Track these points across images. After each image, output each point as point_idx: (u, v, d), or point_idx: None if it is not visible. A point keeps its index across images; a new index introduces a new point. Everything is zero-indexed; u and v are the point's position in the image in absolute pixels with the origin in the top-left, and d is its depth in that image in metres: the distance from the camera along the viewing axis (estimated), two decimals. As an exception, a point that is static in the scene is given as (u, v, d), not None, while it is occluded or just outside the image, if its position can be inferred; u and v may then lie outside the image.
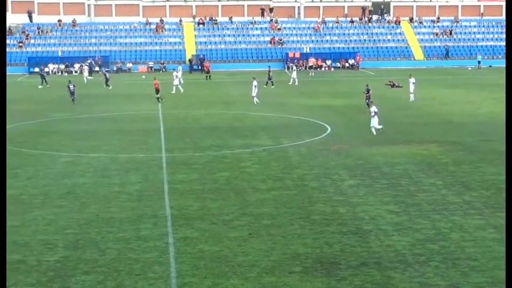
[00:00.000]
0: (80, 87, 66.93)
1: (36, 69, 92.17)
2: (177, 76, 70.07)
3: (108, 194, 27.66)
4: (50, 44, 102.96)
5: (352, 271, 18.95)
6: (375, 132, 40.18)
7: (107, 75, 75.51)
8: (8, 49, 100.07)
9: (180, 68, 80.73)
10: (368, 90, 52.77)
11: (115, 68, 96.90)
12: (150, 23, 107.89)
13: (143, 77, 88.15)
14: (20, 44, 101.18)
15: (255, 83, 57.89)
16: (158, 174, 30.97)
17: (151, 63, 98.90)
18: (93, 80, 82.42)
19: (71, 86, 59.60)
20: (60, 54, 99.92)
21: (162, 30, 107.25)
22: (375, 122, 40.48)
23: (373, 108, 40.80)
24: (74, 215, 24.78)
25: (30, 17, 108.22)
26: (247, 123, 47.18)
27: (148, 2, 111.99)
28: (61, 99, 61.90)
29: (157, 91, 60.39)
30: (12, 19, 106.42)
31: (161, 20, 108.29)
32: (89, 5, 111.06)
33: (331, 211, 24.76)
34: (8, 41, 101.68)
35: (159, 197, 27.03)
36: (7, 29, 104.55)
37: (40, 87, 75.65)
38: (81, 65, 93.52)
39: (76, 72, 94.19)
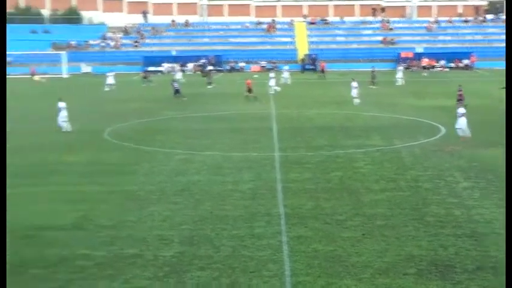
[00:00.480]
0: (190, 87, 68.03)
1: (151, 68, 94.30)
2: (273, 77, 70.18)
3: (221, 192, 28.00)
4: (164, 43, 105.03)
5: (468, 275, 18.57)
6: (461, 134, 38.89)
7: (210, 74, 76.82)
8: (123, 48, 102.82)
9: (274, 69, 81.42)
10: (460, 90, 52.09)
11: (228, 67, 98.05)
12: (261, 23, 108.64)
13: (256, 76, 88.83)
14: (136, 44, 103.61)
15: (354, 84, 57.57)
16: (271, 173, 31.13)
17: (263, 63, 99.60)
18: (200, 80, 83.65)
19: (175, 84, 61.74)
20: (174, 53, 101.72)
21: (273, 30, 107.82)
22: (461, 124, 39.08)
23: (461, 110, 39.56)
24: (188, 211, 25.20)
25: (145, 17, 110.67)
26: (359, 123, 46.90)
27: (260, 2, 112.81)
28: (174, 98, 63.11)
29: (249, 90, 60.83)
30: (128, 19, 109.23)
31: (273, 20, 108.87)
32: (201, 5, 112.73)
33: (446, 213, 24.33)
34: (124, 41, 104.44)
35: (272, 195, 27.17)
36: (123, 28, 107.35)
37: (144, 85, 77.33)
38: (180, 65, 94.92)
39: (190, 71, 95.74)
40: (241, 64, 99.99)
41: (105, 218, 24.45)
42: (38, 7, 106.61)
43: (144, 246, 21.36)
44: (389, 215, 24.13)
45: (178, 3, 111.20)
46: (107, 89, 72.13)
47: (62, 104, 44.89)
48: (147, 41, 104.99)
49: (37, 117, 51.43)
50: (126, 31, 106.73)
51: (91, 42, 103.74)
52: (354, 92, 57.30)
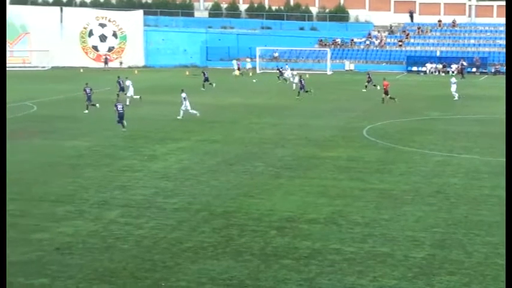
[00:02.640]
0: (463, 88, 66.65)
1: (414, 68, 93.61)
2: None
3: (478, 197, 27.36)
4: (428, 43, 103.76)
5: None
6: None
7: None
8: (388, 47, 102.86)
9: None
10: None
11: (493, 70, 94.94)
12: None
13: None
14: (400, 43, 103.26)
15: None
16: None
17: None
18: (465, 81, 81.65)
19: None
20: (438, 54, 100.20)
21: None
22: None
23: None
24: (442, 214, 24.90)
25: (412, 17, 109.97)
26: None
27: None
28: (441, 98, 62.22)
29: (386, 92, 58.84)
30: (394, 18, 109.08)
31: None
32: (469, 6, 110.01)
33: None
34: (388, 40, 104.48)
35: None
36: (388, 27, 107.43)
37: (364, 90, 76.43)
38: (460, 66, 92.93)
39: (453, 72, 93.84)
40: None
41: (359, 215, 24.81)
42: (307, 4, 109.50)
43: (395, 246, 21.44)
44: None
45: (446, 4, 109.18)
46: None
47: (183, 95, 48.84)
48: (412, 40, 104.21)
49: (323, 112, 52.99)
50: (391, 30, 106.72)
51: (356, 40, 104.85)
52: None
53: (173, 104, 56.04)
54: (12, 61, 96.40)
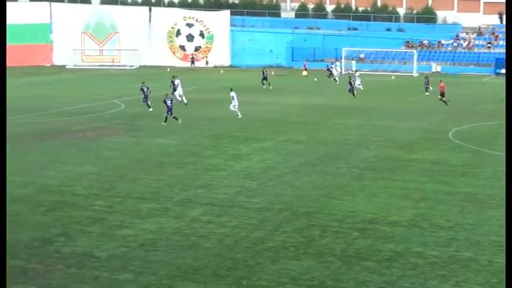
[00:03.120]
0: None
1: (503, 71, 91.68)
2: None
3: None
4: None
5: None
6: None
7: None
8: (476, 49, 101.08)
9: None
10: None
11: None
12: None
13: None
14: (489, 45, 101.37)
15: None
16: None
17: None
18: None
19: None
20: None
21: None
22: None
23: None
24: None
25: (501, 18, 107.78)
26: None
27: None
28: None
29: (442, 94, 57.64)
30: (483, 20, 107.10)
31: None
32: None
33: None
34: (477, 42, 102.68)
35: None
36: (477, 29, 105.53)
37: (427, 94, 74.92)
38: None
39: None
40: None
41: (443, 218, 24.49)
42: (394, 5, 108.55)
43: (479, 251, 21.09)
44: None
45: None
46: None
47: (233, 94, 49.53)
48: (501, 42, 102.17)
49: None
50: (480, 32, 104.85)
51: (443, 42, 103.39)
52: None
53: (258, 104, 56.46)
54: (102, 60, 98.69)
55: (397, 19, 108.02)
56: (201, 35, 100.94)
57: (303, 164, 33.80)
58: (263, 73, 71.68)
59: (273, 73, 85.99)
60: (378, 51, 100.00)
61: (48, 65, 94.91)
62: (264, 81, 70.81)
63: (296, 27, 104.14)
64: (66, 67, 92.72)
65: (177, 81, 58.78)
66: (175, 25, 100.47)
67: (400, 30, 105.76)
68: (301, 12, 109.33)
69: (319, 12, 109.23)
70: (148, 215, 24.97)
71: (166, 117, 45.33)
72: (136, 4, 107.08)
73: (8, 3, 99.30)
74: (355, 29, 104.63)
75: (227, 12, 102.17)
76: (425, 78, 69.58)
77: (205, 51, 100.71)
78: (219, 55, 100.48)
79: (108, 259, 20.36)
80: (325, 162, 34.33)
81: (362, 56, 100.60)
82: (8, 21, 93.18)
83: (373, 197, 27.62)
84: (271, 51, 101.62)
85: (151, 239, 22.20)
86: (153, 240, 22.16)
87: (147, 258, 20.49)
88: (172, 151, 37.01)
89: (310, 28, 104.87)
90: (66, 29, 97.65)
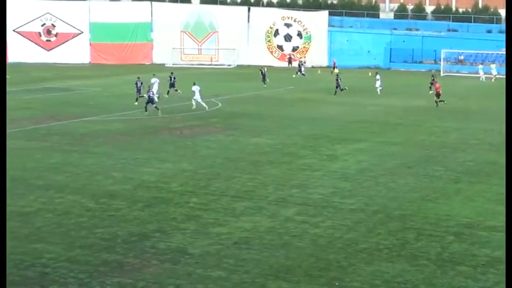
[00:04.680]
0: None
1: None
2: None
3: None
4: None
5: None
6: None
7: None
8: None
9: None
10: None
11: None
12: None
13: None
14: None
15: None
16: None
17: None
18: None
19: None
20: None
21: None
22: None
23: None
24: None
25: None
26: None
27: None
28: None
29: (438, 95, 56.26)
30: None
31: None
32: None
33: None
34: None
35: None
36: None
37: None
38: None
39: None
40: None
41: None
42: (496, 7, 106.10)
43: None
44: None
45: None
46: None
47: (195, 88, 52.64)
48: None
49: None
50: None
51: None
52: None
53: (355, 105, 56.20)
54: (200, 59, 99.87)
55: (498, 21, 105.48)
56: (299, 35, 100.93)
57: (398, 166, 33.48)
58: (261, 72, 70.92)
59: (369, 74, 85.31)
60: (477, 53, 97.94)
61: (148, 63, 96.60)
62: (264, 81, 69.92)
63: (395, 28, 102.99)
64: (165, 65, 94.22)
65: (153, 80, 58.07)
66: (274, 25, 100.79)
67: (501, 32, 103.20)
68: (400, 13, 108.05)
69: (419, 13, 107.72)
70: (243, 214, 25.20)
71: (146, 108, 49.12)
72: (236, 4, 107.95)
73: (111, 3, 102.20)
74: (455, 30, 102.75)
75: (325, 12, 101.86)
76: (432, 76, 68.68)
77: (302, 52, 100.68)
78: (317, 55, 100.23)
79: (202, 256, 20.65)
80: (421, 164, 33.91)
81: (461, 58, 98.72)
82: (110, 20, 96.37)
83: (470, 201, 27.16)
84: (369, 52, 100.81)
85: (245, 237, 22.40)
86: (247, 238, 22.35)
87: (241, 256, 20.69)
88: (268, 150, 37.21)
89: (409, 29, 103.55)
90: (166, 28, 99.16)
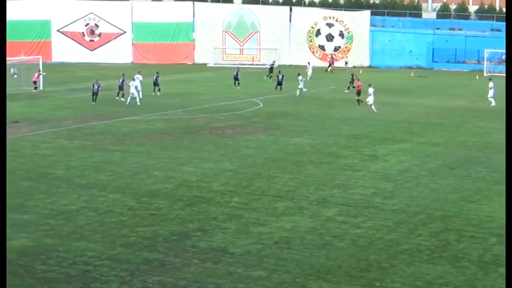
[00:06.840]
0: None
1: None
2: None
3: None
4: None
5: None
6: None
7: None
8: None
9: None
10: None
11: None
12: None
13: None
14: None
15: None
16: None
17: None
18: None
19: None
20: None
21: None
22: None
23: None
24: None
25: None
26: None
27: None
28: None
29: (358, 93, 55.77)
30: None
31: None
32: None
33: None
34: None
35: None
36: None
37: None
38: None
39: None
40: None
41: None
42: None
43: None
44: None
45: None
46: None
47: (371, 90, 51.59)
48: None
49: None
50: None
51: None
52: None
53: (397, 105, 55.90)
54: (242, 58, 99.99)
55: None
56: (341, 35, 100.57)
57: (440, 167, 33.24)
58: (236, 73, 69.56)
59: (412, 74, 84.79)
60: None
61: (190, 63, 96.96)
62: (235, 82, 68.51)
63: (437, 28, 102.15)
64: (207, 65, 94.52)
65: (136, 76, 57.93)
66: (316, 25, 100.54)
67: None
68: (443, 12, 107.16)
69: (462, 12, 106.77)
70: (284, 214, 25.22)
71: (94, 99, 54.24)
72: (277, 4, 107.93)
73: (153, 3, 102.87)
74: (498, 30, 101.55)
75: (367, 12, 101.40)
76: (352, 75, 67.60)
77: (344, 51, 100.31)
78: (358, 55, 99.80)
79: (243, 255, 20.72)
80: (463, 165, 33.64)
81: (504, 58, 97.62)
82: (153, 20, 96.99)
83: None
84: (411, 51, 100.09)
85: (285, 237, 22.43)
86: (288, 238, 22.38)
87: (281, 256, 20.72)
88: (309, 150, 37.17)
89: (452, 29, 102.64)
90: (208, 28, 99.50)
